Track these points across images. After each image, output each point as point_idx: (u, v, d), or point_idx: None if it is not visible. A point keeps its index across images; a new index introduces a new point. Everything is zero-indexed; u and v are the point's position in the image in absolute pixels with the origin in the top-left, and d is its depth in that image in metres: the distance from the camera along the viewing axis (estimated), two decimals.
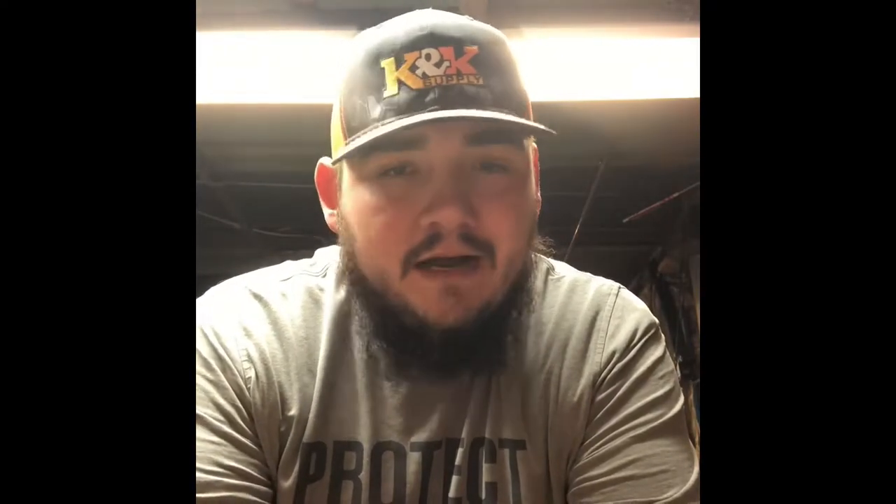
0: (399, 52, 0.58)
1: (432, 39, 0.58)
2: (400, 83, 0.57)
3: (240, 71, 1.92)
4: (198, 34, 1.58)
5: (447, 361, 0.61)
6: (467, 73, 0.57)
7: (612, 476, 0.61)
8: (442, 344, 0.60)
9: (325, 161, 0.68)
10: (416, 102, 0.56)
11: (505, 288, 0.61)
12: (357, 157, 0.60)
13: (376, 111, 0.57)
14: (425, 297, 0.58)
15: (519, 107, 0.60)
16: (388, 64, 0.58)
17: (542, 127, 0.59)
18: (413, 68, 0.57)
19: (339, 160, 0.60)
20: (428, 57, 0.57)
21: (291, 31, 1.84)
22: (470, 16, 0.63)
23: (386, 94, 0.57)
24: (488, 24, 0.63)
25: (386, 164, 0.58)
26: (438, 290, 0.58)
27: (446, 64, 0.57)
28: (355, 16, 1.75)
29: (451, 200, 0.56)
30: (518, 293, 0.63)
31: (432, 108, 0.56)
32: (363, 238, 0.60)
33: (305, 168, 0.69)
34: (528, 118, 0.61)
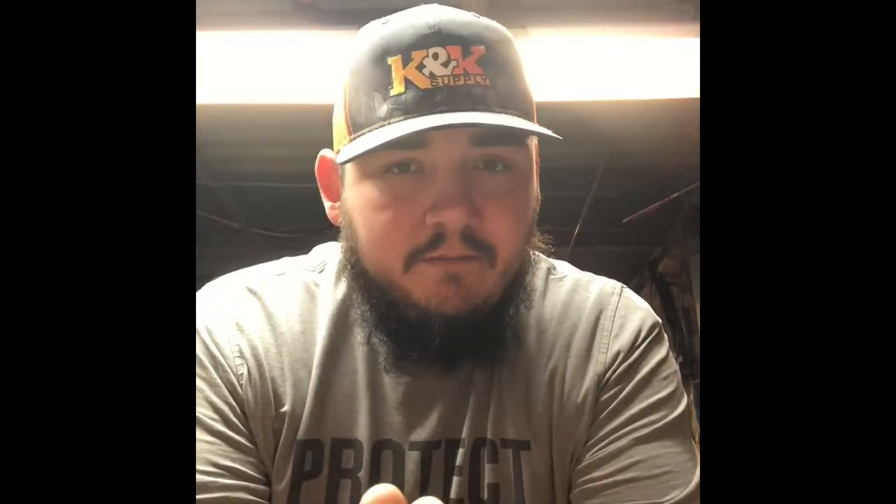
0: (406, 50, 0.57)
1: (440, 38, 0.57)
2: (407, 82, 0.57)
3: (240, 71, 1.92)
4: (198, 34, 1.58)
5: (446, 354, 0.61)
6: (474, 73, 0.57)
7: (615, 478, 0.61)
8: (442, 335, 0.59)
9: (326, 153, 0.67)
10: (424, 103, 0.56)
11: (502, 285, 0.61)
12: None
13: (382, 110, 0.57)
14: (427, 285, 0.58)
15: (524, 108, 0.60)
16: (394, 61, 0.57)
17: (548, 132, 0.59)
18: (420, 67, 0.57)
19: (347, 161, 0.58)
20: (435, 56, 0.57)
21: (291, 31, 1.84)
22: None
23: (392, 92, 0.57)
24: None
25: (390, 161, 0.58)
26: (440, 277, 0.58)
27: (453, 63, 0.57)
28: (355, 16, 1.74)
29: (456, 201, 0.56)
30: (515, 289, 0.63)
31: (440, 108, 0.56)
32: (367, 234, 0.60)
33: (305, 168, 0.69)
34: (532, 118, 0.61)
